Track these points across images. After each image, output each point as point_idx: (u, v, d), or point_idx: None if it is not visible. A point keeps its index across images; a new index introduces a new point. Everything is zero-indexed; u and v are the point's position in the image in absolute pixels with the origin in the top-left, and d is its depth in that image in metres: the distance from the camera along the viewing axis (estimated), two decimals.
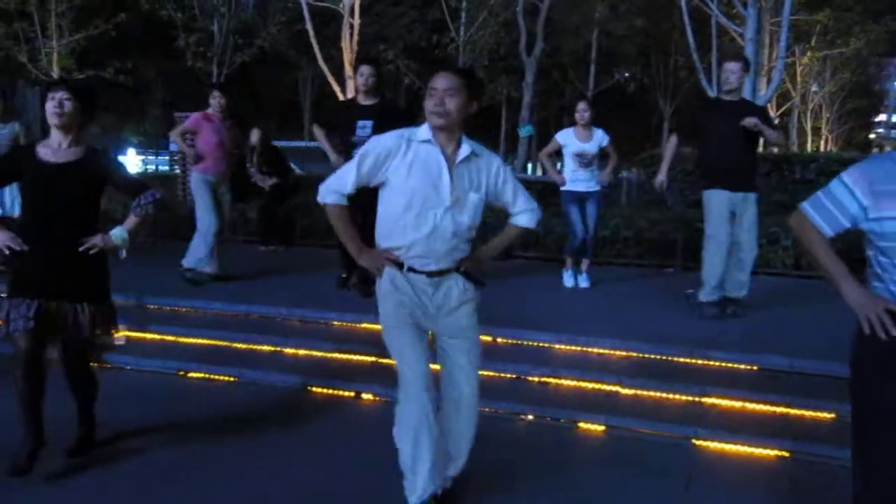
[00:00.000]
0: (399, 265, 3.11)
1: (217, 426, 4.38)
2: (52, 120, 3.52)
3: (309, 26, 17.50)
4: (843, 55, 24.25)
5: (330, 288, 6.49)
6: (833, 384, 4.57)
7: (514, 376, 5.03)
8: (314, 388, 4.99)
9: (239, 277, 7.26)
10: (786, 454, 4.09)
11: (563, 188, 7.21)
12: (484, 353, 5.16)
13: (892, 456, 2.37)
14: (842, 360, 4.59)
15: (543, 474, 3.80)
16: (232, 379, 5.20)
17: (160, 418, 4.42)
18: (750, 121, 5.69)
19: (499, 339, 5.47)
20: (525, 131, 21.87)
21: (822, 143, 32.98)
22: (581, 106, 7.15)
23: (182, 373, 5.29)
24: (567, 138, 7.15)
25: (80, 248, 3.50)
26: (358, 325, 5.77)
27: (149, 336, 5.83)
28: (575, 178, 7.14)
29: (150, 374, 5.28)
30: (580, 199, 7.16)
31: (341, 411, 4.68)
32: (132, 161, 43.35)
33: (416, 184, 3.02)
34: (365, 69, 6.20)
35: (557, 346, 5.36)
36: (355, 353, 5.32)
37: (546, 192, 8.64)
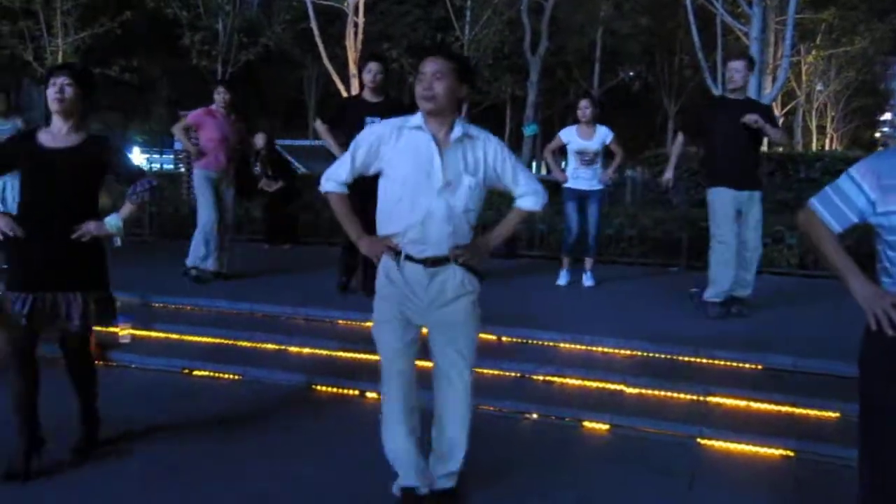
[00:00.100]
0: (398, 253, 3.09)
1: (221, 424, 4.38)
2: (53, 106, 3.49)
3: (314, 25, 17.51)
4: (848, 54, 24.20)
5: (334, 286, 6.49)
6: (838, 383, 4.57)
7: (519, 375, 5.03)
8: (318, 387, 5.00)
9: (243, 276, 7.27)
10: (790, 453, 4.08)
11: (564, 185, 7.22)
12: (488, 352, 5.21)
13: None
14: (846, 360, 4.59)
15: (548, 473, 3.79)
16: (236, 377, 5.21)
17: (164, 416, 4.42)
18: (750, 117, 5.68)
19: (503, 338, 5.47)
20: (529, 130, 21.89)
21: (828, 141, 32.90)
22: (583, 103, 7.14)
23: (186, 371, 5.30)
24: (569, 136, 7.15)
25: (73, 235, 3.45)
26: (362, 324, 5.77)
27: (153, 334, 5.84)
28: (576, 176, 7.14)
29: (154, 373, 5.29)
30: (581, 197, 7.15)
31: (345, 410, 4.68)
32: (137, 159, 43.42)
33: (408, 170, 3.03)
34: (373, 66, 6.17)
35: (562, 345, 5.36)
36: (360, 351, 5.32)
37: (550, 191, 8.63)
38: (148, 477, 3.65)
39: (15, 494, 3.43)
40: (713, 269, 5.99)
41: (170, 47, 22.12)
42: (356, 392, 4.93)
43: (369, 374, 5.06)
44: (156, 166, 38.68)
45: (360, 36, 17.63)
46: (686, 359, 5.08)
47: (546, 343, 5.39)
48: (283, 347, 5.58)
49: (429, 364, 3.28)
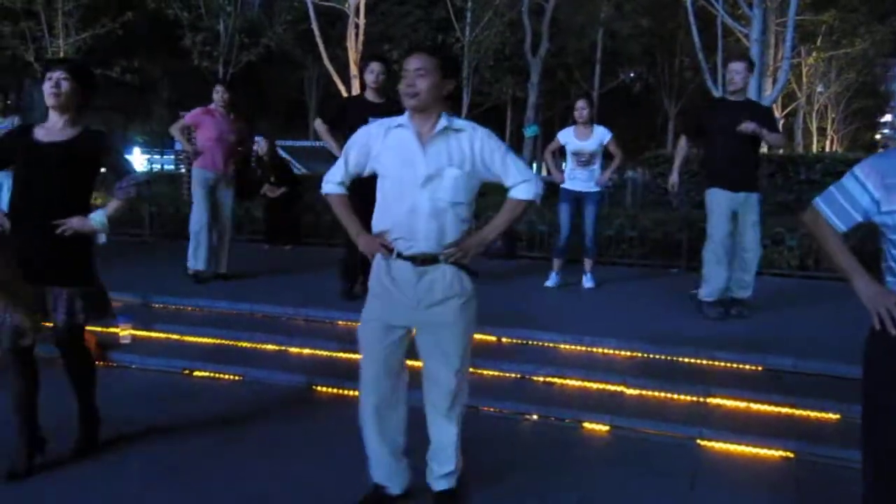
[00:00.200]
0: (390, 251, 3.09)
1: (221, 425, 4.38)
2: (49, 100, 3.49)
3: (314, 25, 17.51)
4: (848, 55, 24.19)
5: (335, 287, 6.49)
6: (838, 384, 4.57)
7: (519, 376, 5.03)
8: (319, 388, 5.00)
9: (243, 276, 7.28)
10: (790, 455, 4.08)
11: (561, 186, 7.22)
12: (488, 353, 5.22)
13: None
14: (847, 361, 4.62)
15: (548, 474, 3.79)
16: (237, 378, 5.21)
17: (165, 417, 4.42)
18: (748, 126, 5.69)
19: (503, 339, 5.47)
20: (530, 131, 21.85)
21: (828, 143, 32.90)
22: (580, 104, 7.14)
23: (187, 371, 5.30)
24: (567, 137, 7.16)
25: (58, 231, 3.41)
26: None
27: (154, 335, 5.84)
28: (573, 177, 7.14)
29: (155, 373, 5.30)
30: (576, 198, 7.14)
31: (346, 411, 4.64)
32: (138, 160, 43.42)
33: (394, 167, 3.07)
34: (375, 66, 6.16)
35: (562, 346, 5.36)
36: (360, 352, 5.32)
37: (549, 192, 8.63)
38: (148, 477, 3.65)
39: (16, 494, 3.43)
40: (706, 267, 6.03)
41: (171, 48, 22.11)
42: (356, 393, 4.89)
43: None
44: (156, 167, 38.70)
45: (360, 37, 17.63)
46: (686, 360, 5.09)
47: (546, 344, 5.39)
48: (283, 348, 5.58)
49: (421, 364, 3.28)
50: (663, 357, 5.13)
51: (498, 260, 8.82)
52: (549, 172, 7.83)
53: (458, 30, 20.44)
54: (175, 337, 5.82)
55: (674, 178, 6.41)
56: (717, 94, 12.89)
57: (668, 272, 8.37)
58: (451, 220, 3.04)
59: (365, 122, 5.99)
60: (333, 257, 7.03)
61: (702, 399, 4.65)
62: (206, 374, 5.27)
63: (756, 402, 4.57)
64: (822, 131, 31.53)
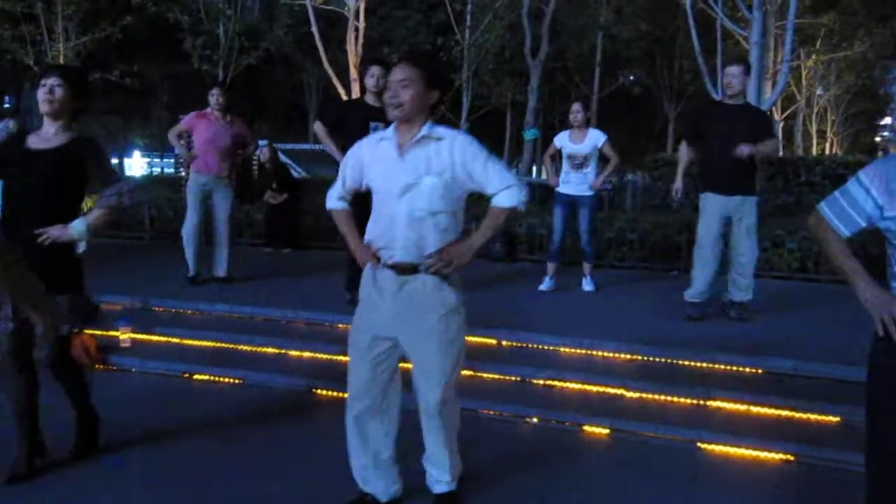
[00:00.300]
0: (378, 260, 3.11)
1: (221, 428, 4.38)
2: (43, 107, 3.49)
3: (314, 29, 17.52)
4: (848, 58, 24.20)
5: (335, 290, 6.49)
6: (838, 387, 4.58)
7: (519, 379, 5.03)
8: (319, 391, 5.00)
9: (243, 279, 7.29)
10: (791, 457, 4.08)
11: (556, 189, 7.23)
12: (488, 356, 5.22)
13: None
14: (847, 364, 4.62)
15: (548, 477, 3.79)
16: (237, 381, 5.21)
17: (165, 420, 4.43)
18: (742, 150, 5.70)
19: (503, 342, 5.47)
20: (530, 134, 21.88)
21: (828, 145, 32.90)
22: (575, 107, 7.15)
23: (187, 375, 5.30)
24: (562, 140, 7.16)
25: (39, 240, 3.38)
26: None
27: (154, 338, 5.85)
28: (566, 181, 7.14)
29: (155, 376, 5.30)
30: (570, 202, 7.13)
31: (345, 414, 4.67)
32: (137, 163, 43.40)
33: (378, 178, 3.12)
34: (375, 70, 6.15)
35: (562, 349, 5.36)
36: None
37: (549, 195, 8.65)
38: (148, 480, 3.65)
39: (17, 497, 3.43)
40: (693, 269, 6.10)
41: (171, 51, 22.13)
42: None
43: None
44: (156, 170, 38.73)
45: (360, 40, 17.65)
46: (686, 363, 5.09)
47: (546, 347, 5.39)
48: (283, 351, 5.59)
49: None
50: (663, 360, 5.13)
51: (499, 263, 8.83)
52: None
53: (457, 33, 20.45)
54: (175, 340, 5.82)
55: (678, 184, 6.40)
56: (716, 96, 12.90)
57: (667, 275, 8.37)
58: (429, 230, 3.02)
59: (365, 125, 6.05)
60: (333, 261, 7.04)
61: (702, 402, 4.65)
62: (207, 377, 5.27)
63: (756, 404, 4.57)
64: (821, 134, 31.53)
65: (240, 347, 5.67)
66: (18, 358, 3.49)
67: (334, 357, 5.42)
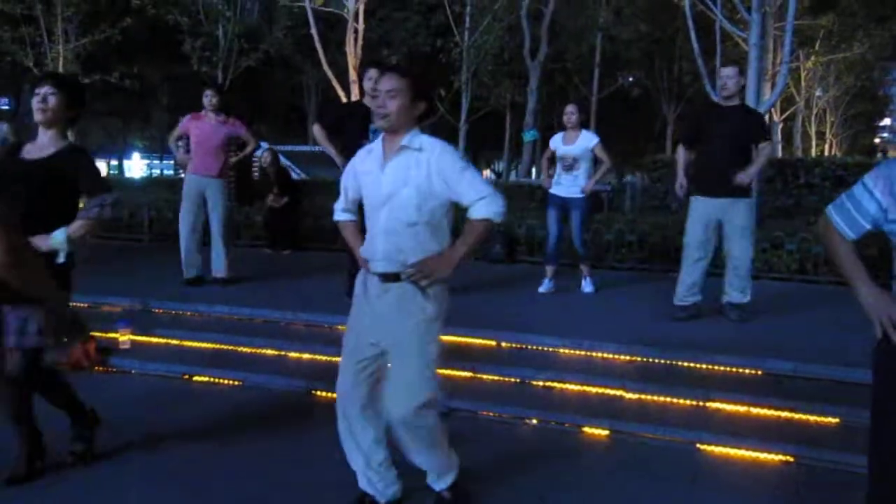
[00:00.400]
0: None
1: (221, 430, 4.38)
2: (37, 116, 3.48)
3: (314, 31, 17.54)
4: (847, 59, 24.21)
5: (334, 292, 6.49)
6: (838, 389, 4.58)
7: (518, 380, 5.03)
8: (318, 393, 4.99)
9: (243, 281, 7.29)
10: (790, 459, 4.08)
11: (548, 191, 7.24)
12: (488, 357, 5.23)
13: None
14: (847, 365, 4.62)
15: (548, 478, 3.79)
16: (237, 383, 5.21)
17: (164, 422, 4.43)
18: (742, 179, 5.77)
19: (503, 344, 5.47)
20: (529, 136, 21.89)
21: (827, 147, 32.94)
22: (569, 108, 7.14)
23: (187, 377, 5.30)
24: (556, 142, 7.17)
25: None
26: None
27: (154, 340, 5.85)
28: (558, 182, 7.14)
29: (155, 378, 5.30)
30: (562, 204, 7.12)
31: None
32: (137, 165, 43.41)
33: (365, 189, 3.16)
34: (373, 72, 6.13)
35: (561, 351, 5.36)
36: None
37: (546, 198, 8.67)
38: (148, 482, 3.65)
39: (16, 498, 3.43)
40: (680, 271, 6.15)
41: (170, 53, 22.18)
42: None
43: None
44: (156, 172, 38.73)
45: (360, 42, 17.66)
46: (685, 364, 5.09)
47: (545, 348, 5.39)
48: (283, 353, 5.59)
49: None
50: (663, 361, 5.13)
51: (498, 265, 8.83)
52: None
53: (456, 34, 20.46)
54: (175, 342, 5.82)
55: (681, 180, 6.34)
56: (715, 98, 12.91)
57: (667, 276, 8.36)
58: (408, 240, 3.01)
59: (364, 127, 6.05)
60: (333, 262, 7.04)
61: (701, 403, 4.65)
62: (206, 379, 5.27)
63: (755, 406, 4.57)
64: (821, 135, 31.57)
65: (239, 349, 5.67)
66: (27, 376, 3.41)
67: (334, 359, 5.39)
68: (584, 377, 4.97)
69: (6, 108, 28.84)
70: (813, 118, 29.53)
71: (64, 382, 3.74)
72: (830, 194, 11.41)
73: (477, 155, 39.98)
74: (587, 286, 7.24)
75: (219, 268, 7.21)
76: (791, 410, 4.50)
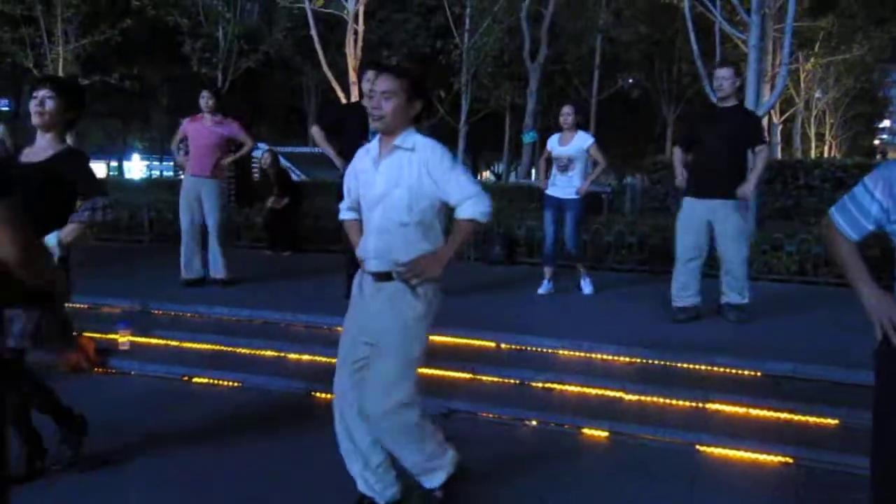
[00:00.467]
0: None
1: (220, 431, 4.38)
2: (34, 119, 3.48)
3: (314, 32, 17.54)
4: (846, 61, 24.21)
5: (334, 293, 6.50)
6: (837, 390, 4.59)
7: (518, 382, 5.03)
8: (318, 394, 4.99)
9: (242, 282, 7.29)
10: (789, 460, 4.08)
11: (544, 192, 7.24)
12: (487, 359, 5.22)
13: None
14: (846, 366, 4.62)
15: (547, 480, 3.79)
16: (236, 384, 5.21)
17: (164, 423, 4.43)
18: (744, 194, 5.82)
19: (502, 345, 5.47)
20: (529, 137, 21.89)
21: (826, 148, 32.96)
22: (565, 110, 7.16)
23: (186, 378, 5.30)
24: (552, 143, 7.19)
25: None
26: None
27: (153, 341, 5.85)
28: (553, 184, 7.15)
29: (154, 379, 5.30)
30: (557, 206, 7.12)
31: None
32: (136, 166, 43.41)
33: (361, 189, 3.18)
34: (371, 74, 6.14)
35: (561, 352, 5.36)
36: None
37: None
38: (147, 483, 3.65)
39: (16, 499, 3.42)
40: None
41: (170, 54, 22.18)
42: None
43: None
44: (156, 173, 38.73)
45: (359, 43, 17.66)
46: (685, 365, 5.09)
47: (545, 350, 5.39)
48: (282, 354, 5.59)
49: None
50: (662, 363, 5.13)
51: (498, 266, 8.83)
52: None
53: (456, 36, 20.47)
54: (174, 343, 5.82)
55: (679, 177, 6.31)
56: (714, 100, 12.91)
57: (667, 278, 8.33)
58: (399, 240, 3.03)
59: (364, 129, 6.04)
60: (333, 264, 7.04)
61: (700, 405, 4.65)
62: (206, 380, 5.27)
63: (755, 407, 4.57)
64: (820, 137, 31.58)
65: (238, 350, 5.67)
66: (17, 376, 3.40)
67: (333, 360, 5.32)
68: (583, 378, 4.97)
69: (6, 109, 28.84)
70: (812, 120, 29.54)
71: (47, 387, 3.72)
72: (830, 196, 11.42)
73: (477, 156, 40.01)
74: (586, 287, 7.24)
75: (217, 269, 7.21)
76: (790, 412, 4.50)
